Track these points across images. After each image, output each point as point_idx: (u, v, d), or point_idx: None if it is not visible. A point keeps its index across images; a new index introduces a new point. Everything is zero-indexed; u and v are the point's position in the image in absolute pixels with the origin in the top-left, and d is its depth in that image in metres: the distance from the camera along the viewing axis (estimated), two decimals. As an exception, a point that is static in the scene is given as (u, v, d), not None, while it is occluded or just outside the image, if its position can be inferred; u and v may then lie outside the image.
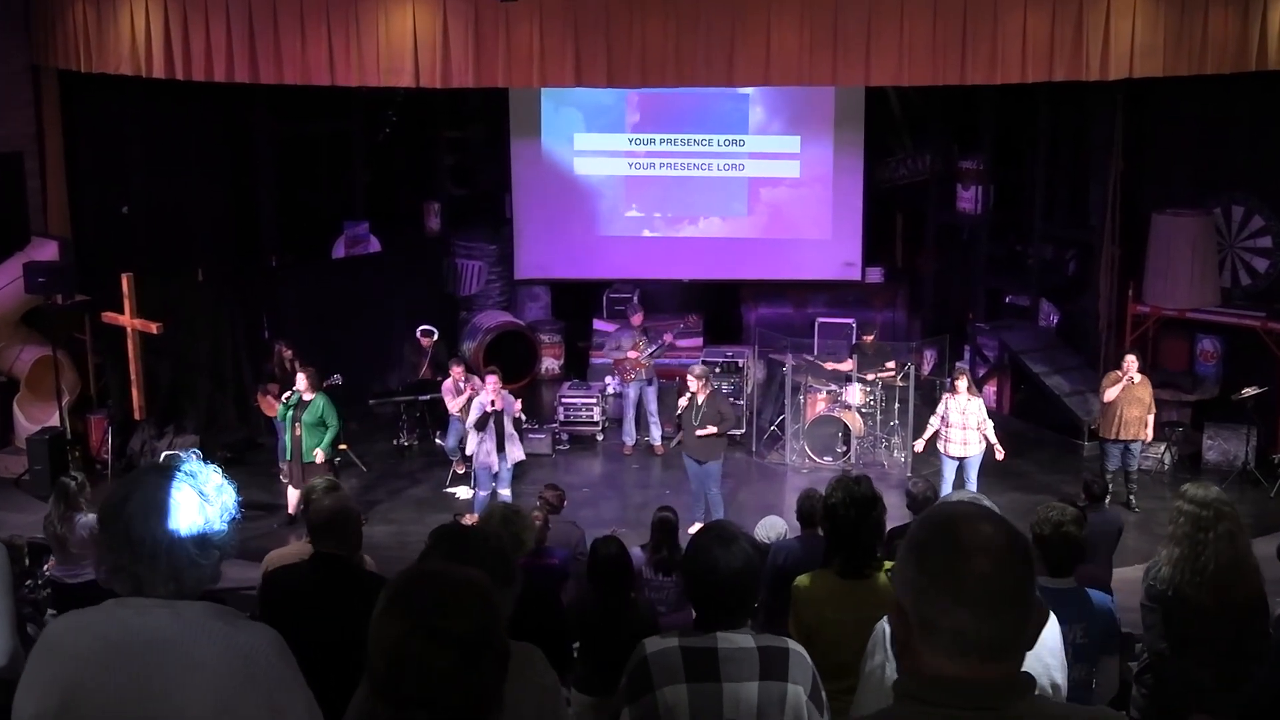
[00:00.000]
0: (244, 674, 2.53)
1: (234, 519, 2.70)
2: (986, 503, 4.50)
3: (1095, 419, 13.59)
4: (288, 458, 12.36)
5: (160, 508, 2.59)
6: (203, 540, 2.62)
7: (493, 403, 12.25)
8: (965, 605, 1.92)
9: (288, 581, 5.29)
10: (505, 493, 12.24)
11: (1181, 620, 5.66)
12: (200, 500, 2.64)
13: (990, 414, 12.90)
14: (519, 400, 12.62)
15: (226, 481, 2.73)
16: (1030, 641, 1.99)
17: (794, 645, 3.74)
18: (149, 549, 2.57)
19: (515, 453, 12.53)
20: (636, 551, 8.42)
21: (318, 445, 12.18)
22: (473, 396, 13.16)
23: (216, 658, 2.52)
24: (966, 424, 12.30)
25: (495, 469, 12.40)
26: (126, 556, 2.58)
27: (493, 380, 12.33)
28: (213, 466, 2.74)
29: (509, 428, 12.36)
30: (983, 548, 1.94)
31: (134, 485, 2.65)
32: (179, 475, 2.65)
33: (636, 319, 15.26)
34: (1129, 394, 12.77)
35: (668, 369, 15.58)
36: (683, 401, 12.42)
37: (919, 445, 12.95)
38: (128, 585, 2.61)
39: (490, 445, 12.32)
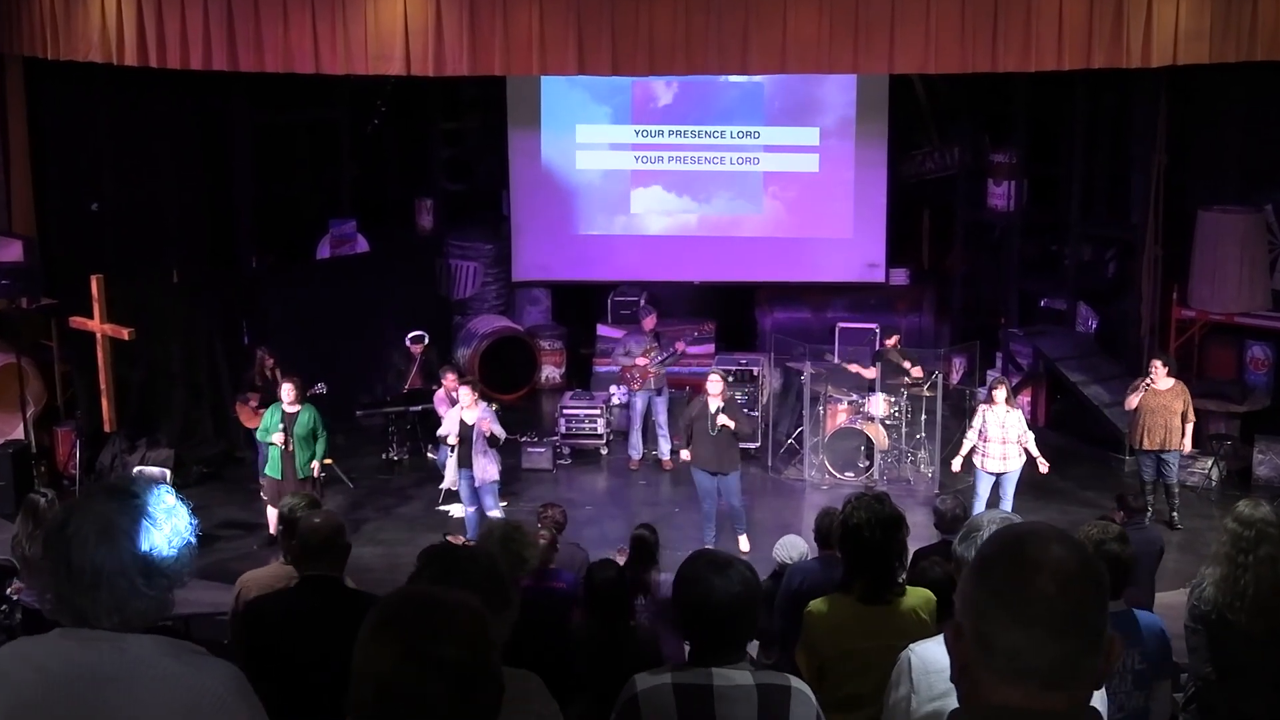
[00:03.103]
0: (191, 715, 2.51)
1: (187, 545, 2.66)
2: (1019, 521, 4.54)
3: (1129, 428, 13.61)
4: (277, 475, 12.33)
5: (102, 533, 2.56)
6: (148, 568, 2.58)
7: (462, 420, 12.29)
8: (1025, 625, 1.93)
9: (277, 609, 5.28)
10: (495, 512, 12.25)
11: (1227, 645, 5.67)
12: (147, 524, 2.60)
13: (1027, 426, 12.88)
14: (486, 418, 12.36)
15: (181, 504, 2.69)
16: (1101, 675, 1.99)
17: (796, 682, 3.72)
18: (90, 578, 2.54)
19: (483, 470, 12.35)
20: None
21: (311, 458, 12.24)
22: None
23: (158, 698, 2.51)
24: (1006, 438, 12.28)
25: (454, 485, 12.50)
26: (67, 585, 2.56)
27: (465, 391, 12.40)
28: (166, 488, 2.71)
29: (479, 443, 12.33)
30: (1049, 567, 1.95)
31: (75, 508, 2.62)
32: (125, 497, 2.62)
33: (649, 323, 15.28)
34: (1154, 400, 12.81)
35: (678, 378, 15.59)
36: (713, 411, 12.19)
37: (957, 465, 12.80)
38: (70, 616, 2.59)
39: (453, 460, 12.41)
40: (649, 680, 3.64)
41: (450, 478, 12.54)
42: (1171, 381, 12.87)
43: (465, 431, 12.28)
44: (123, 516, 2.59)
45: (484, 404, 12.53)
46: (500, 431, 12.56)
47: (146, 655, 2.55)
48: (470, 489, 12.40)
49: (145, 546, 2.58)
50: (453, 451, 12.39)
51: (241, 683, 2.63)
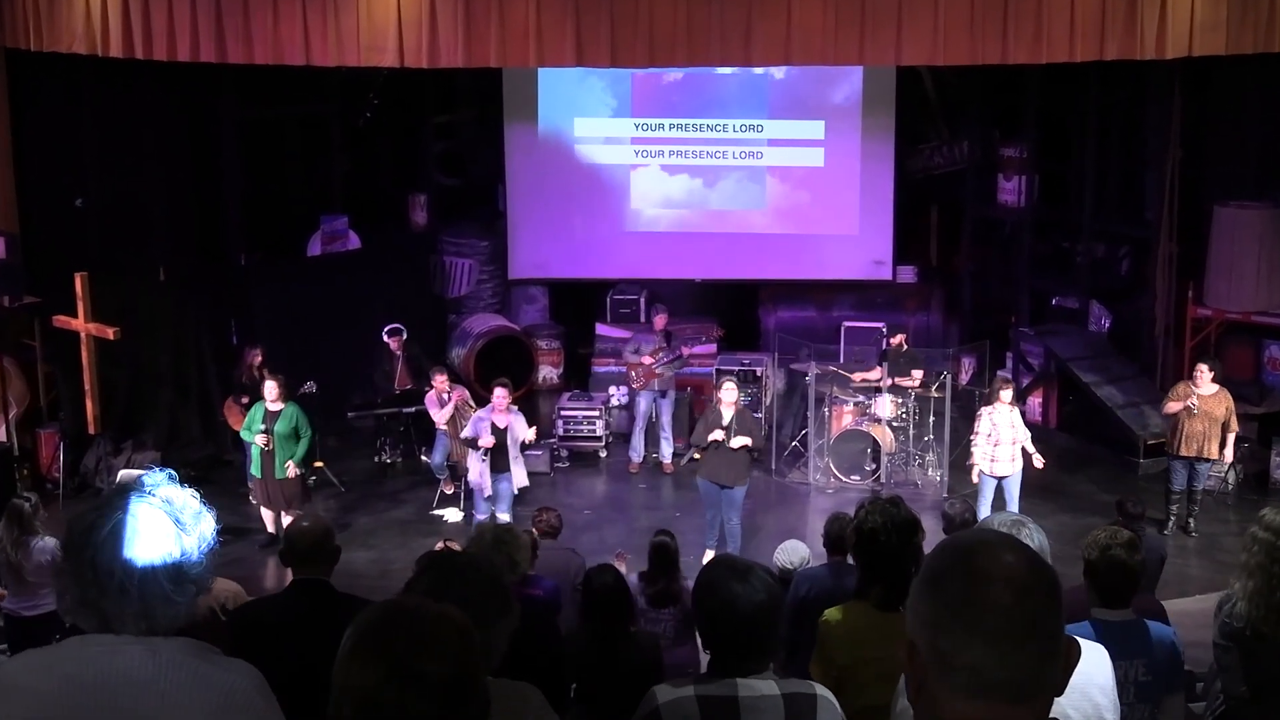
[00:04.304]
0: (224, 715, 2.52)
1: (212, 549, 2.67)
2: (1031, 525, 4.51)
3: (1163, 432, 13.50)
4: (258, 474, 12.41)
5: (132, 537, 2.56)
6: (178, 574, 2.58)
7: (493, 424, 12.29)
8: (984, 639, 1.91)
9: (268, 615, 5.28)
10: (505, 516, 12.25)
11: (1262, 662, 5.61)
12: (177, 529, 2.60)
13: (1036, 428, 12.86)
14: (533, 427, 12.62)
15: (205, 508, 2.70)
16: (1060, 684, 1.98)
17: (822, 691, 3.73)
18: (118, 583, 2.54)
19: (519, 476, 12.52)
20: (633, 580, 8.42)
21: (290, 458, 12.25)
22: (459, 406, 13.22)
23: (195, 698, 2.51)
24: (1016, 438, 12.26)
25: (488, 491, 12.47)
26: (93, 590, 2.56)
27: (501, 395, 12.37)
28: (190, 490, 2.72)
29: (514, 449, 12.36)
30: (1002, 577, 1.93)
31: (102, 511, 2.61)
32: (153, 500, 2.62)
33: (659, 322, 15.27)
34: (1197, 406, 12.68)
35: (680, 378, 15.56)
36: (716, 435, 12.07)
37: (975, 475, 12.59)
38: (93, 621, 2.59)
39: (486, 465, 12.37)
40: (671, 692, 3.64)
41: (486, 485, 12.51)
42: (1215, 387, 12.69)
43: (500, 436, 12.31)
44: (152, 521, 2.59)
45: (515, 409, 12.54)
46: (531, 435, 12.62)
47: (177, 657, 2.55)
48: (485, 495, 12.46)
49: (176, 552, 2.59)
50: (485, 457, 12.38)
51: (262, 681, 2.65)
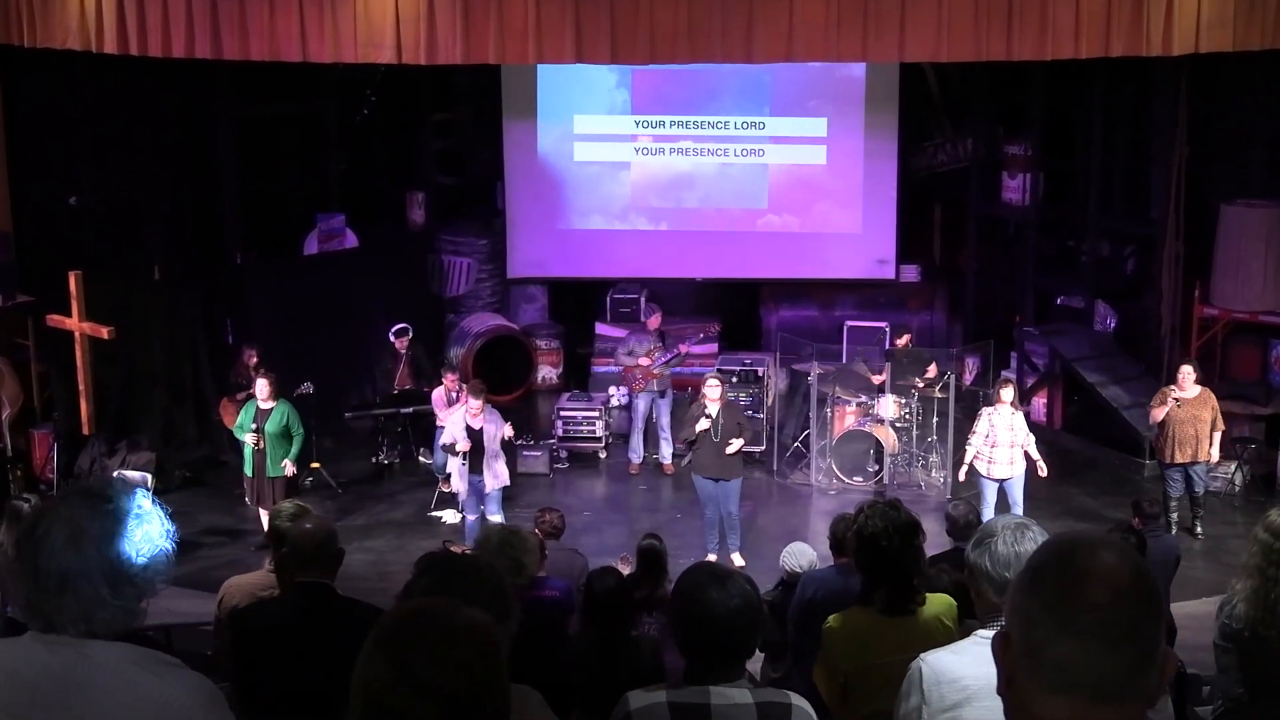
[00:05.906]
0: None
1: (161, 553, 2.65)
2: (1035, 528, 4.51)
3: (1154, 438, 13.50)
4: (250, 474, 12.48)
5: (70, 537, 2.56)
6: (115, 576, 2.58)
7: (467, 426, 12.31)
8: (1075, 635, 1.94)
9: (267, 619, 5.27)
10: (497, 518, 12.27)
11: (1260, 662, 5.61)
12: (117, 530, 2.60)
13: (1040, 429, 12.82)
14: (506, 424, 12.56)
15: (158, 509, 2.69)
16: (1153, 694, 1.99)
17: (797, 700, 3.71)
18: (55, 583, 2.56)
19: (494, 477, 12.43)
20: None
21: (285, 456, 12.31)
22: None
23: (122, 706, 2.52)
24: (1015, 441, 12.24)
25: (464, 494, 12.55)
26: (35, 591, 2.58)
27: (474, 401, 12.39)
28: (143, 492, 2.70)
29: (491, 448, 12.36)
30: (1101, 576, 1.96)
31: (44, 512, 2.63)
32: (98, 501, 2.62)
33: (653, 322, 15.28)
34: (1181, 410, 12.67)
35: (680, 378, 15.56)
36: (703, 425, 12.22)
37: (962, 474, 12.79)
38: (39, 621, 2.60)
39: (464, 468, 12.42)
40: (644, 698, 3.63)
41: (459, 485, 12.56)
42: (1198, 389, 12.73)
43: (476, 438, 12.31)
44: (92, 521, 2.59)
45: (490, 408, 12.52)
46: (510, 432, 12.63)
47: (111, 663, 2.56)
48: (479, 496, 12.44)
49: (113, 553, 2.58)
50: (464, 459, 12.40)
51: (213, 696, 2.62)
